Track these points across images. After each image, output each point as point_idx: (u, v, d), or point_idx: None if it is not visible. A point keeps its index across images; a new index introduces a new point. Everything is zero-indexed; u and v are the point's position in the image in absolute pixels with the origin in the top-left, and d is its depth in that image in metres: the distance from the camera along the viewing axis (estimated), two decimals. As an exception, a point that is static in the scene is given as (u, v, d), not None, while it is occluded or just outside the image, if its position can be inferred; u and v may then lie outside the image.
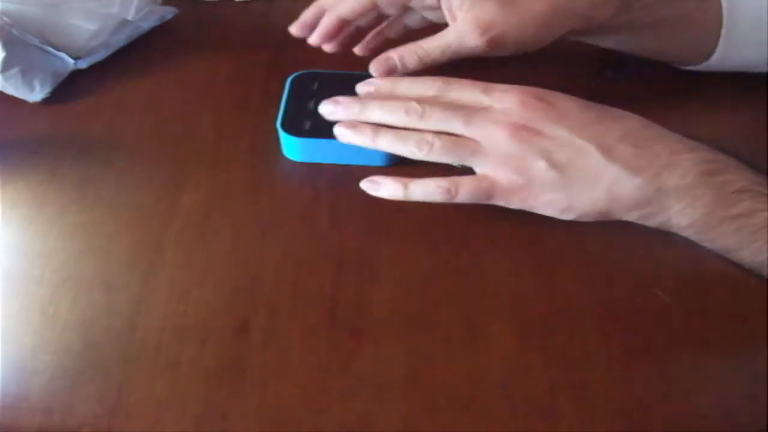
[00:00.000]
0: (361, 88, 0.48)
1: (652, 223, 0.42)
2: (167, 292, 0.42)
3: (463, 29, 0.48)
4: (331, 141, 0.47)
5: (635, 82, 0.58)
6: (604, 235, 0.45)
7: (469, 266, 0.44)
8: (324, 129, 0.48)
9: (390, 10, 0.53)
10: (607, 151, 0.41)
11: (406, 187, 0.43)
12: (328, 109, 0.47)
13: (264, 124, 0.51)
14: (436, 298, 0.43)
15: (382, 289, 0.43)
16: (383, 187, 0.44)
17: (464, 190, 0.43)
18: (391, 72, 0.50)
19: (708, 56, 0.53)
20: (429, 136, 0.43)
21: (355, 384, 0.39)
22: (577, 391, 0.39)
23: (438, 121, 0.43)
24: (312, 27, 0.54)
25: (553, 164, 0.41)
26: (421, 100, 0.44)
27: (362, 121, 0.46)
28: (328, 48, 0.55)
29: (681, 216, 0.41)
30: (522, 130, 0.42)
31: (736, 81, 0.56)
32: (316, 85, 0.53)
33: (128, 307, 0.41)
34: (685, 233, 0.42)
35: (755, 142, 0.53)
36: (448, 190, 0.42)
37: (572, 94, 0.51)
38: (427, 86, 0.45)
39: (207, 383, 0.38)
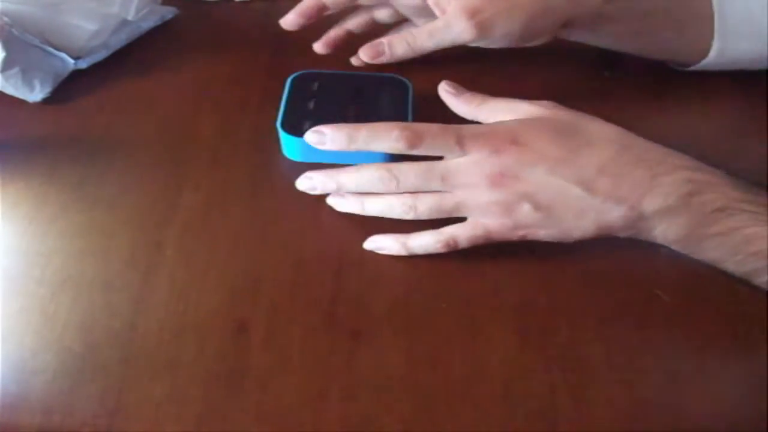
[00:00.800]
0: (309, 136, 0.45)
1: (641, 238, 0.43)
2: (167, 292, 0.42)
3: (451, 15, 0.49)
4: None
5: (634, 82, 0.58)
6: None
7: (469, 266, 0.44)
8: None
9: (380, 11, 0.55)
10: (587, 187, 0.41)
11: (405, 245, 0.44)
12: (306, 185, 0.46)
13: (264, 124, 0.51)
14: (436, 298, 0.43)
15: (382, 289, 0.43)
16: (386, 248, 0.44)
17: (462, 241, 0.43)
18: (378, 56, 0.51)
19: (706, 53, 0.54)
20: (410, 201, 0.43)
21: (355, 384, 0.39)
22: (577, 391, 0.39)
23: (414, 183, 0.43)
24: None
25: (538, 206, 0.41)
26: (390, 168, 0.43)
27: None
28: (319, 49, 0.57)
29: (665, 234, 0.42)
30: (500, 178, 0.41)
31: (736, 80, 0.56)
32: (316, 85, 0.53)
33: (128, 307, 0.41)
34: (673, 247, 0.42)
35: (755, 141, 0.53)
36: (447, 244, 0.43)
37: (572, 94, 0.51)
38: (395, 138, 0.42)
39: (207, 383, 0.38)
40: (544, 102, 0.45)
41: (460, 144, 0.42)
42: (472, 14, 0.48)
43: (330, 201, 0.46)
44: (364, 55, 0.52)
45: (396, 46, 0.50)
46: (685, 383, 0.39)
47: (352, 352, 0.40)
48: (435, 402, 0.38)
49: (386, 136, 0.42)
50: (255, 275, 0.43)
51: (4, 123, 0.52)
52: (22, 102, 0.54)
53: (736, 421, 0.38)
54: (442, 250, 0.43)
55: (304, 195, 0.48)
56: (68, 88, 0.55)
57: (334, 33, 0.56)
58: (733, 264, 0.41)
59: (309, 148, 0.48)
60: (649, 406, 0.38)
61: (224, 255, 0.44)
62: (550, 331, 0.41)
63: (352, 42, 0.57)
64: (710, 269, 0.43)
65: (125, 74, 0.57)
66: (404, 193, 0.43)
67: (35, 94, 0.53)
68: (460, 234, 0.43)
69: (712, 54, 0.53)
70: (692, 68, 0.56)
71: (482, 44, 0.51)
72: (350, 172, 0.45)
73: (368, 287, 0.43)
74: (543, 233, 0.42)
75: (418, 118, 0.50)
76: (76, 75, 0.55)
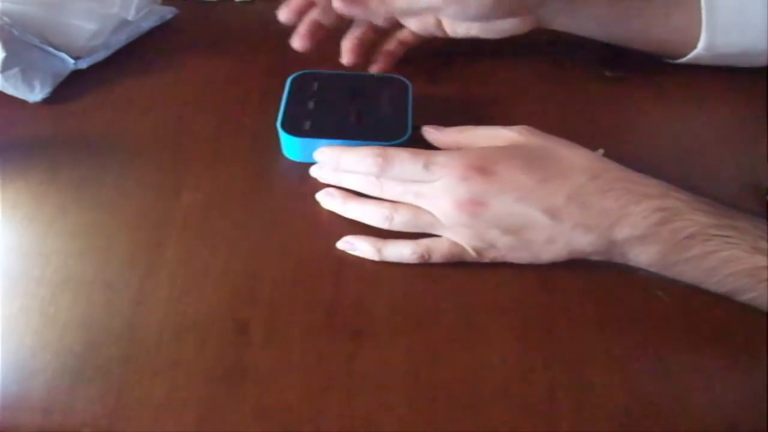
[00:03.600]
0: (317, 155, 0.48)
1: (616, 261, 0.43)
2: (167, 293, 0.42)
3: None
4: (330, 141, 0.47)
5: (635, 81, 0.58)
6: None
7: (469, 266, 0.44)
8: (324, 129, 0.49)
9: None
10: (555, 215, 0.41)
11: (380, 251, 0.44)
12: (316, 173, 0.49)
13: (264, 124, 0.51)
14: (436, 298, 0.43)
15: (382, 289, 0.43)
16: (358, 250, 0.45)
17: (437, 256, 0.44)
18: (353, 5, 0.52)
19: (695, 44, 0.54)
20: (388, 211, 0.44)
21: (355, 384, 0.39)
22: (577, 391, 0.39)
23: (395, 194, 0.45)
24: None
25: (506, 231, 0.42)
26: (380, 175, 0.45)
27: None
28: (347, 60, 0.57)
29: (638, 259, 0.42)
30: (468, 204, 0.42)
31: (736, 81, 0.56)
32: (315, 85, 0.53)
33: (128, 307, 0.41)
34: (649, 269, 0.42)
35: (755, 141, 0.53)
36: (422, 256, 0.44)
37: (573, 95, 0.51)
38: (369, 165, 0.44)
39: (207, 383, 0.38)
40: (522, 127, 0.45)
41: (429, 170, 0.43)
42: None
43: (317, 197, 0.47)
44: (341, 5, 0.52)
45: (371, 2, 0.52)
46: (684, 383, 0.39)
47: (352, 352, 0.40)
48: (435, 402, 0.38)
49: (363, 163, 0.45)
50: (255, 275, 0.43)
51: (4, 123, 0.52)
52: (22, 102, 0.54)
53: (735, 421, 0.38)
54: (415, 262, 0.44)
55: (304, 195, 0.48)
56: (68, 88, 0.55)
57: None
58: (713, 285, 0.41)
59: (309, 148, 0.49)
60: (649, 406, 0.38)
61: (224, 255, 0.44)
62: (550, 331, 0.41)
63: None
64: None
65: (125, 74, 0.57)
66: (385, 201, 0.45)
67: (35, 94, 0.53)
68: (435, 249, 0.44)
69: (701, 45, 0.53)
70: (682, 61, 0.56)
71: (460, 16, 0.51)
72: (346, 173, 0.46)
73: (368, 287, 0.43)
74: (513, 256, 0.43)
75: (418, 118, 0.50)
76: (76, 75, 0.55)
